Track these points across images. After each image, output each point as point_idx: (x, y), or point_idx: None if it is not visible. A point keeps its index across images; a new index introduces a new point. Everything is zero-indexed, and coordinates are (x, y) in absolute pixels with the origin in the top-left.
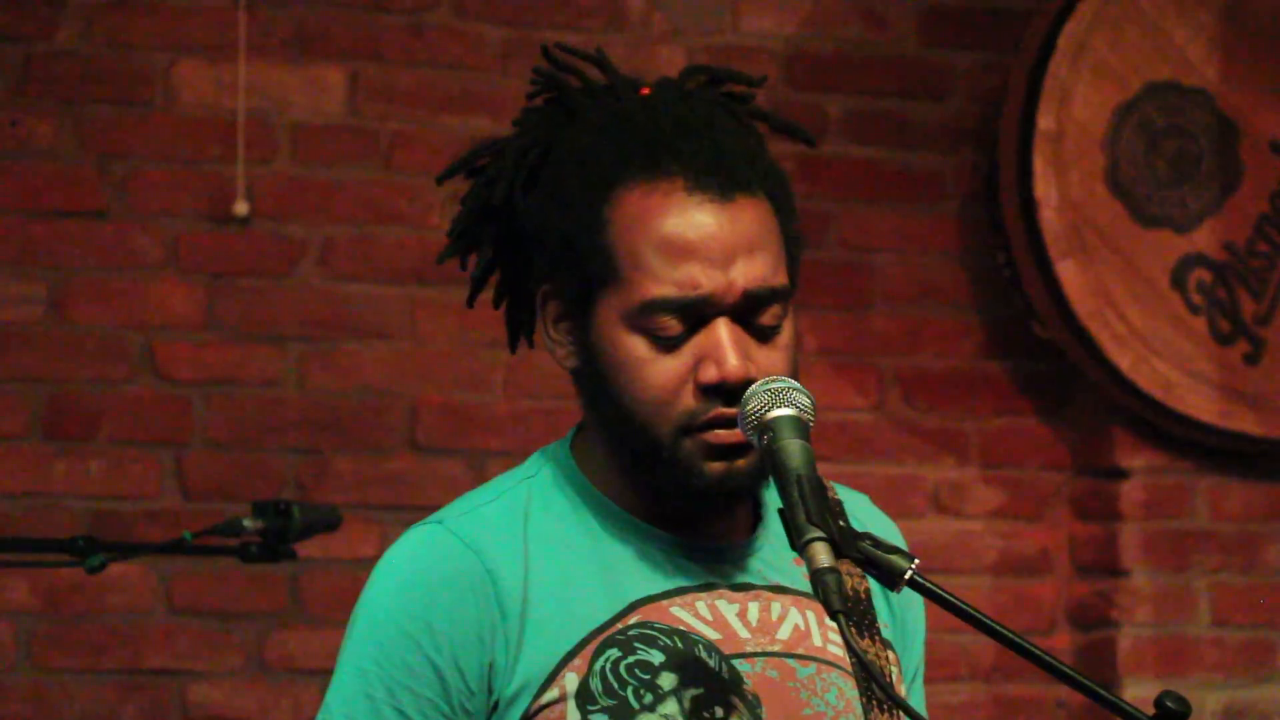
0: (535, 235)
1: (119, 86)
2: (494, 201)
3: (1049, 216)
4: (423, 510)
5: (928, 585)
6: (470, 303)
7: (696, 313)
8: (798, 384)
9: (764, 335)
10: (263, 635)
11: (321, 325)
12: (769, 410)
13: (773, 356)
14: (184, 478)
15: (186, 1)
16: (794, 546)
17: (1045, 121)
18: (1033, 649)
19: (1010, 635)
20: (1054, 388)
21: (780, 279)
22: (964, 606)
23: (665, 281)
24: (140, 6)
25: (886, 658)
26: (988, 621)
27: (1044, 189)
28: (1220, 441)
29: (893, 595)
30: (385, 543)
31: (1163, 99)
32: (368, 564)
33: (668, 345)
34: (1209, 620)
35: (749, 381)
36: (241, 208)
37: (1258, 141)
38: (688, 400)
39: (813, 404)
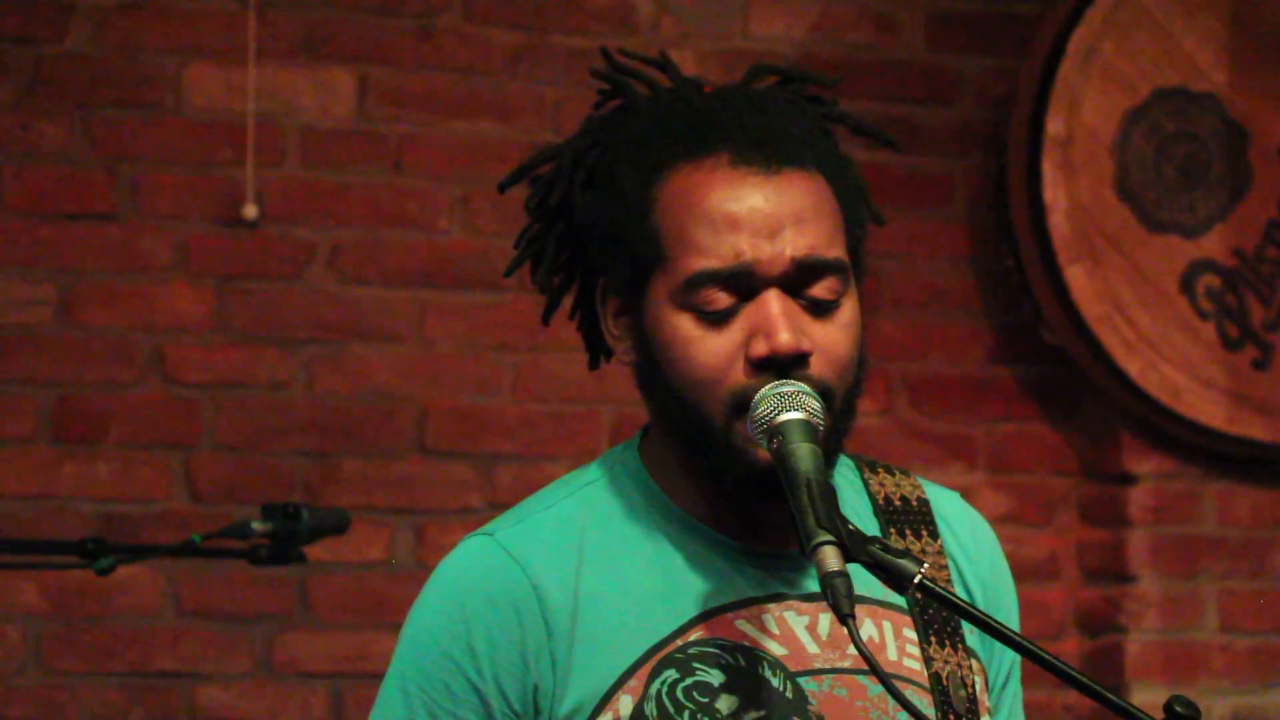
0: (590, 229)
1: (129, 89)
2: (551, 203)
3: (1058, 222)
4: (431, 514)
5: (937, 589)
6: (546, 319)
7: (744, 284)
8: (808, 388)
9: (820, 310)
10: (271, 638)
11: (330, 328)
12: (778, 414)
13: (832, 334)
14: (193, 480)
15: (196, 5)
16: (803, 551)
17: (1054, 126)
18: (1041, 654)
19: (1020, 640)
20: (1062, 393)
21: (834, 251)
22: (973, 611)
23: (709, 254)
24: (150, 10)
25: (968, 666)
26: (997, 626)
27: (1053, 194)
28: (1228, 447)
29: (979, 596)
30: (394, 545)
31: (1172, 104)
32: (376, 567)
33: (716, 320)
34: (1217, 626)
35: (803, 356)
36: (251, 211)
37: (1267, 147)
38: (738, 376)
39: (823, 408)
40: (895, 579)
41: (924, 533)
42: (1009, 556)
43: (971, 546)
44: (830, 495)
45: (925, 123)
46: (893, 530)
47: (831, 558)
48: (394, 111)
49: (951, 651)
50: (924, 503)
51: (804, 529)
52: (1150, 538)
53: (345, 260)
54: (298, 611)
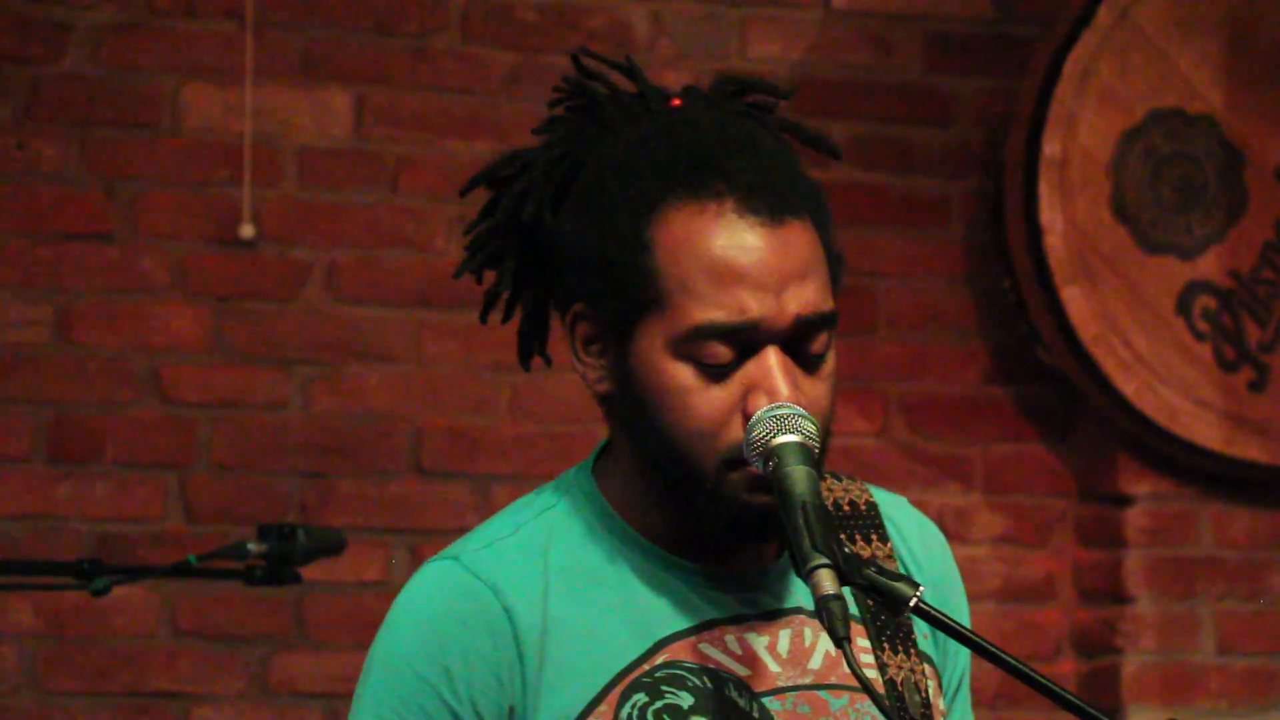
0: (568, 255)
1: (126, 110)
2: (523, 218)
3: (1054, 242)
4: (427, 534)
5: (933, 612)
6: (483, 318)
7: (746, 340)
8: (804, 410)
9: (811, 365)
10: (266, 658)
11: (327, 348)
12: (774, 436)
13: (818, 388)
14: (189, 500)
15: (194, 25)
16: (799, 573)
17: (1051, 148)
18: (1037, 676)
19: (1014, 662)
20: (1058, 414)
21: (829, 304)
22: (968, 633)
23: (714, 306)
24: (148, 30)
25: (923, 671)
26: (992, 648)
27: (1049, 215)
28: (1225, 468)
29: (929, 598)
30: (389, 566)
31: (1168, 126)
32: (372, 587)
33: (715, 374)
34: (1213, 648)
35: None
36: (247, 231)
37: (1262, 168)
38: (735, 432)
39: (818, 430)
40: (891, 602)
41: (873, 537)
42: (1006, 577)
43: (920, 550)
44: (825, 518)
45: (922, 144)
46: (843, 535)
47: (827, 581)
48: (391, 131)
49: (905, 657)
50: (872, 507)
51: (800, 552)
52: (1147, 559)
53: (342, 280)
54: (293, 632)
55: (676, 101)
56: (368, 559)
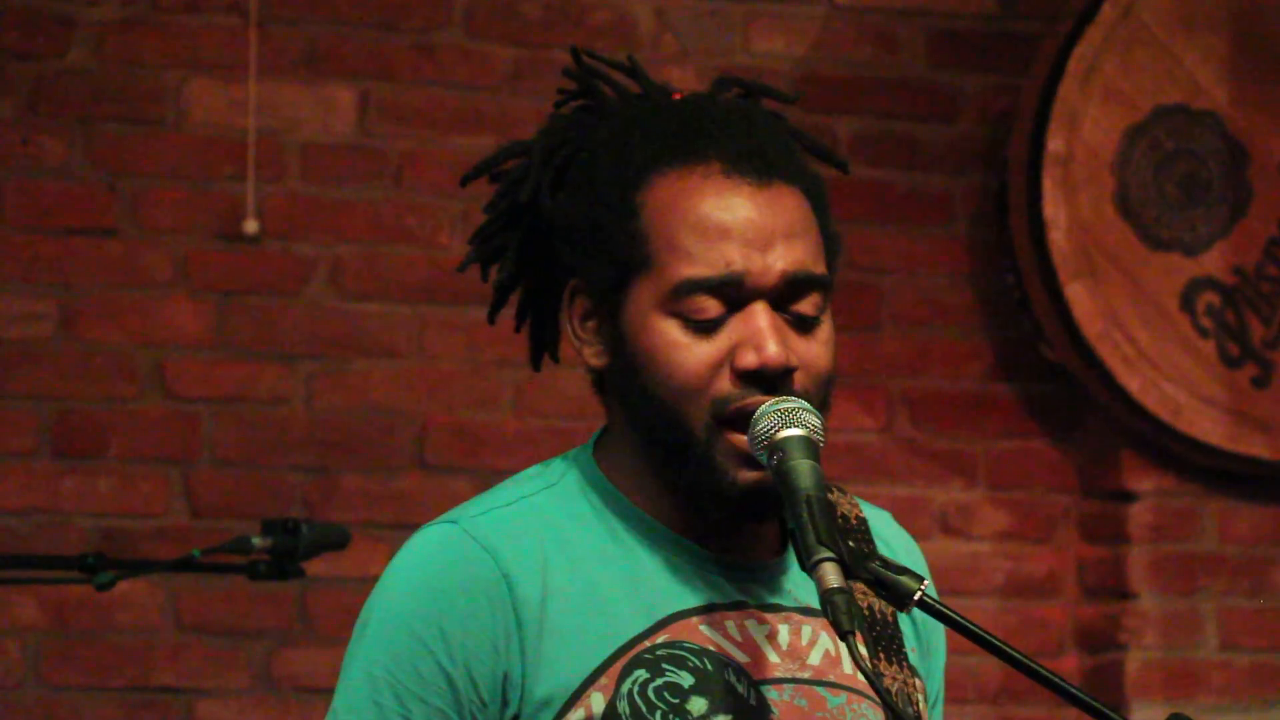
0: (563, 230)
1: (130, 105)
2: (520, 201)
3: (1058, 239)
4: None
5: (937, 606)
6: (491, 318)
7: (733, 294)
8: (808, 404)
9: (805, 325)
10: (270, 653)
11: (331, 344)
12: (779, 430)
13: (814, 350)
14: (192, 495)
15: (198, 21)
16: (803, 567)
17: (1055, 144)
18: (1041, 671)
19: (1019, 657)
20: (1062, 410)
21: (820, 267)
22: (973, 628)
23: (700, 262)
24: (152, 26)
25: (913, 684)
26: (996, 643)
27: (1053, 211)
28: (1228, 464)
29: (918, 618)
30: None
31: (1172, 122)
32: (375, 583)
33: (703, 329)
34: (1217, 643)
35: (789, 370)
36: (251, 226)
37: (1267, 165)
38: (722, 385)
39: (822, 424)
40: (895, 596)
41: (864, 549)
42: (1009, 573)
43: (909, 565)
44: (829, 512)
45: (926, 139)
46: None
47: (832, 574)
48: (395, 127)
49: (899, 669)
50: (863, 521)
51: (804, 545)
52: (1150, 555)
53: (346, 275)
54: (297, 627)
55: (678, 96)
56: (371, 554)
